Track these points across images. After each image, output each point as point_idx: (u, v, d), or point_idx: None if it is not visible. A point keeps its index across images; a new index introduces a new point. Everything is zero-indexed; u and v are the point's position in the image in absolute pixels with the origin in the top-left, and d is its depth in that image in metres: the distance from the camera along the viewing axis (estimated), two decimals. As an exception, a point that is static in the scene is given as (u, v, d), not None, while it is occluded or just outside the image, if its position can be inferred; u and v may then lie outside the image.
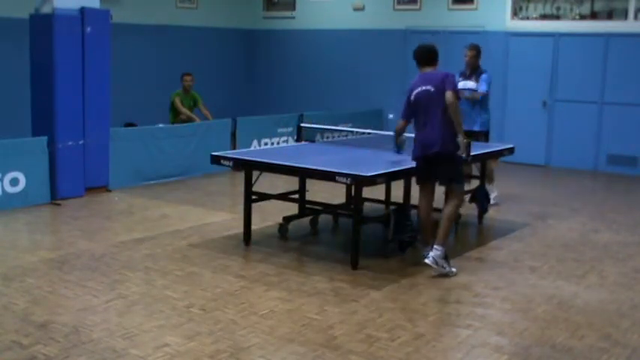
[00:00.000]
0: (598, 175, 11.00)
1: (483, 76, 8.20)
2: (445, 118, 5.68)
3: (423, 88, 5.75)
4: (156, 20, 12.79)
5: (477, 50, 8.30)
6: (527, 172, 10.95)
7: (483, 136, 8.21)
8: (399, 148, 6.31)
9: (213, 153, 6.58)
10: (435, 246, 5.69)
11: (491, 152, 7.56)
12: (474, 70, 8.27)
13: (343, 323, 4.67)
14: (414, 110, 5.83)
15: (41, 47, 8.04)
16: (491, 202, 8.19)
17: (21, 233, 6.97)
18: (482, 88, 8.17)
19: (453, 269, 5.73)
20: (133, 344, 4.25)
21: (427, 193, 5.95)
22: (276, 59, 14.42)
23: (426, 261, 5.66)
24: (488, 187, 8.36)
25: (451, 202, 5.86)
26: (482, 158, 7.35)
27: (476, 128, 8.15)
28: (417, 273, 5.77)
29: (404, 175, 6.25)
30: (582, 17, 11.28)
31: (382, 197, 7.35)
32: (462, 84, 8.18)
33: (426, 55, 5.89)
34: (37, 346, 4.20)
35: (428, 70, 5.84)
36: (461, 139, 5.69)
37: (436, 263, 5.65)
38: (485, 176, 7.70)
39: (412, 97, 5.80)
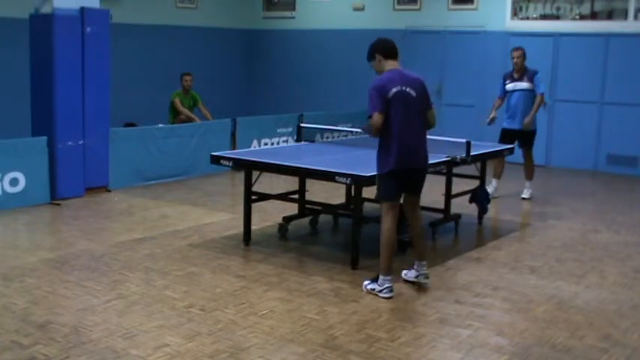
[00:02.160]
0: (598, 175, 11.00)
1: (538, 76, 8.50)
2: (424, 127, 5.37)
3: (404, 89, 5.17)
4: (156, 20, 12.78)
5: (522, 51, 8.54)
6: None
7: (534, 135, 8.70)
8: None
9: (213, 153, 6.57)
10: (422, 262, 5.47)
11: (491, 152, 7.55)
12: (522, 71, 8.51)
13: (343, 323, 4.67)
14: (389, 107, 5.16)
15: (41, 47, 8.04)
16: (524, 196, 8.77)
17: (21, 233, 6.97)
18: (541, 89, 8.48)
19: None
20: (133, 344, 4.25)
21: (397, 212, 5.33)
22: (276, 59, 14.42)
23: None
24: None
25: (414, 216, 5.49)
26: (483, 158, 7.36)
27: (532, 128, 8.60)
28: (417, 273, 5.77)
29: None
30: (582, 17, 11.28)
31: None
32: (512, 85, 8.54)
33: (393, 48, 5.36)
34: (37, 346, 4.20)
35: (394, 64, 5.30)
36: None
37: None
38: (485, 176, 7.70)
39: (390, 95, 5.13)
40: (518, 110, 8.51)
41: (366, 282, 5.37)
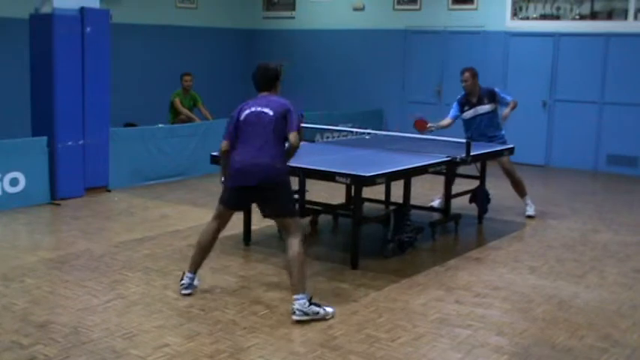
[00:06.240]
0: (598, 175, 11.00)
1: (500, 93, 7.71)
2: (277, 143, 5.03)
3: (258, 109, 5.00)
4: (156, 20, 12.79)
5: (471, 71, 7.66)
6: (528, 172, 10.90)
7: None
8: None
9: (213, 153, 6.57)
10: (295, 297, 4.69)
11: (491, 152, 7.54)
12: (478, 93, 7.67)
13: (343, 323, 4.67)
14: (238, 131, 5.03)
15: (41, 47, 8.04)
16: (529, 213, 7.87)
17: (21, 233, 6.97)
18: (509, 98, 7.70)
19: (329, 309, 4.77)
20: (132, 344, 4.25)
21: (225, 220, 5.21)
22: (276, 59, 14.34)
23: (294, 318, 4.64)
24: (526, 201, 7.98)
25: (292, 239, 4.88)
26: (483, 158, 7.35)
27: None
28: (417, 273, 5.77)
29: (404, 175, 6.25)
30: (582, 17, 11.28)
31: (382, 197, 7.35)
32: (472, 112, 7.72)
33: (265, 80, 5.13)
34: (37, 346, 4.20)
35: (265, 94, 5.12)
36: None
37: (306, 314, 4.65)
38: (485, 176, 7.68)
39: (242, 118, 5.02)
40: (484, 131, 7.76)
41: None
